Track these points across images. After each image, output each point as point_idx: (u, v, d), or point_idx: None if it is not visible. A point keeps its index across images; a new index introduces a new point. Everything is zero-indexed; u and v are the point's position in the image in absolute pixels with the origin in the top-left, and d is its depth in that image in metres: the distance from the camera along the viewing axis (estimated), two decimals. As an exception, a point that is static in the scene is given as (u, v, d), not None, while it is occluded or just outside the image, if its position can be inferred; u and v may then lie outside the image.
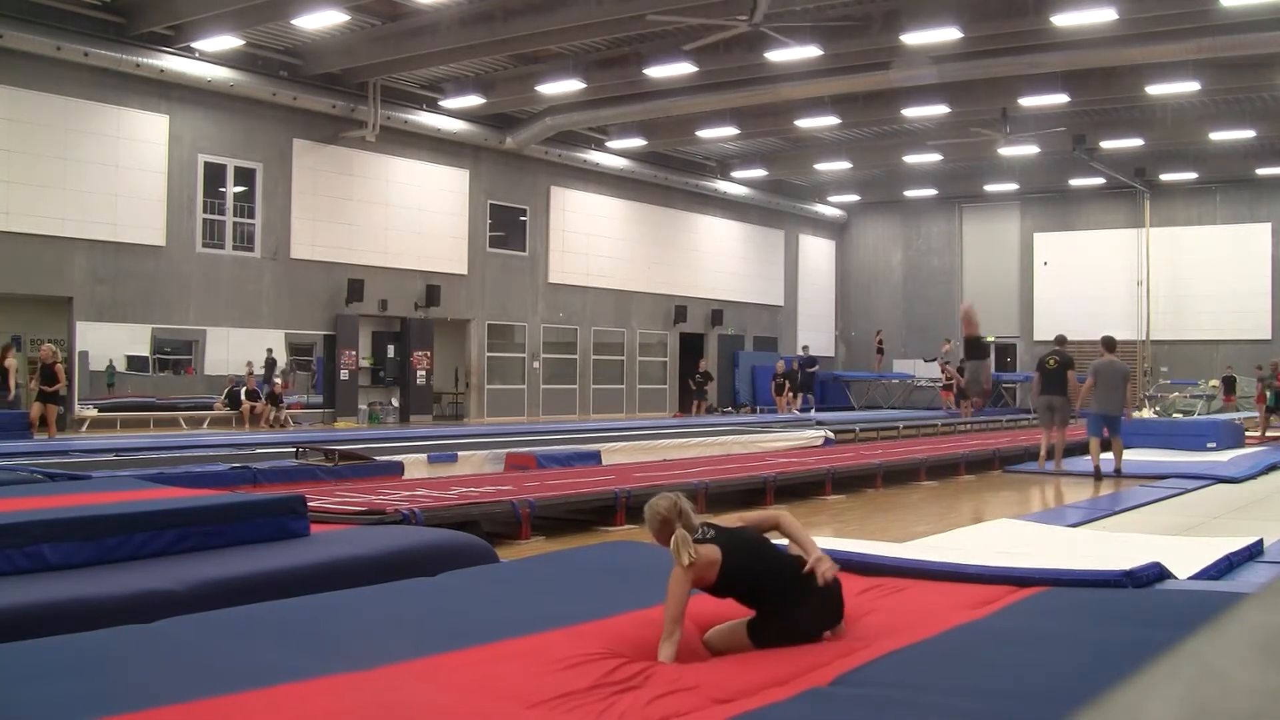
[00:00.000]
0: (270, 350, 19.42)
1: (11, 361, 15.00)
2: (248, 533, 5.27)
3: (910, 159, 26.84)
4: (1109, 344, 11.94)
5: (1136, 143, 24.22)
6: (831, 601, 3.65)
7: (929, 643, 3.62)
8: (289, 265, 19.93)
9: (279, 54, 19.09)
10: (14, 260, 16.32)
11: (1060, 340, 13.14)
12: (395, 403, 21.91)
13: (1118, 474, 11.60)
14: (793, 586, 3.57)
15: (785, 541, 3.83)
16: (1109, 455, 11.87)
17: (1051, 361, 12.37)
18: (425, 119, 21.36)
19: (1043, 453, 12.72)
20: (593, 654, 3.33)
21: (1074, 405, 12.42)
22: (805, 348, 28.56)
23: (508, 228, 24.23)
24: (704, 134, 23.68)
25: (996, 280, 31.90)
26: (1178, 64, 18.65)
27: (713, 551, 3.47)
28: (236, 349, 19.25)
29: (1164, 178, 28.22)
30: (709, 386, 26.81)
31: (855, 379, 30.88)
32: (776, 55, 17.36)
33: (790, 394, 25.16)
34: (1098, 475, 11.53)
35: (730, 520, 3.80)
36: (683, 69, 18.51)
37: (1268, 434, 18.74)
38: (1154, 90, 19.81)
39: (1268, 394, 19.37)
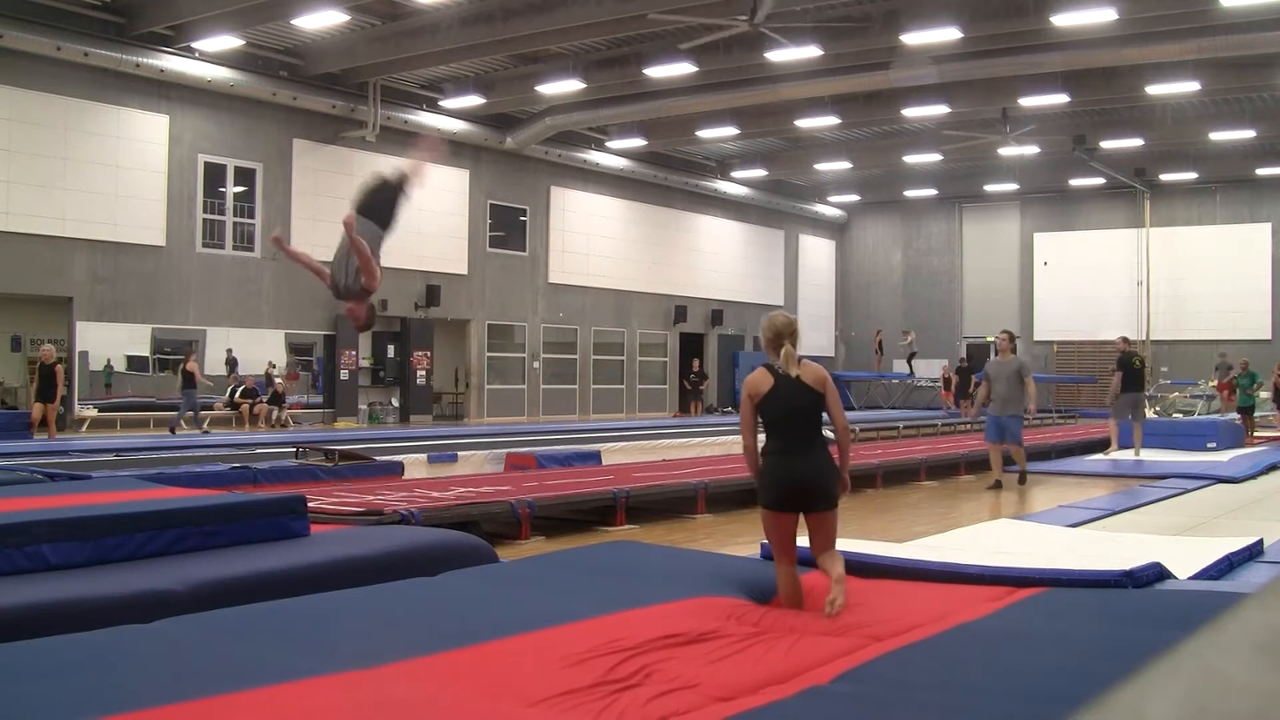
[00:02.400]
0: (230, 350, 19.22)
1: (193, 364, 16.40)
2: (248, 533, 5.27)
3: (910, 159, 26.83)
4: (1010, 339, 11.54)
5: (1136, 143, 24.22)
6: (812, 479, 4.40)
7: (929, 642, 3.63)
8: (289, 265, 19.83)
9: (279, 54, 19.08)
10: (14, 260, 16.32)
11: (1128, 341, 14.78)
12: (395, 403, 21.91)
13: (1023, 479, 11.21)
14: (796, 440, 4.42)
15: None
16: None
17: (1137, 362, 13.95)
18: (425, 119, 21.34)
19: (1114, 444, 13.96)
20: (593, 652, 3.33)
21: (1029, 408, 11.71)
22: None
23: (508, 228, 24.23)
24: (704, 134, 23.68)
25: (996, 280, 31.90)
26: (1178, 64, 18.64)
27: (769, 379, 4.46)
28: (236, 349, 19.24)
29: (1164, 178, 28.21)
30: (705, 386, 26.82)
31: (855, 379, 30.88)
32: (776, 55, 17.35)
33: None
34: (998, 486, 11.10)
35: (807, 371, 4.51)
36: (683, 69, 18.50)
37: (1263, 434, 18.73)
38: (1154, 90, 19.81)
39: (1237, 394, 19.33)
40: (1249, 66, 19.12)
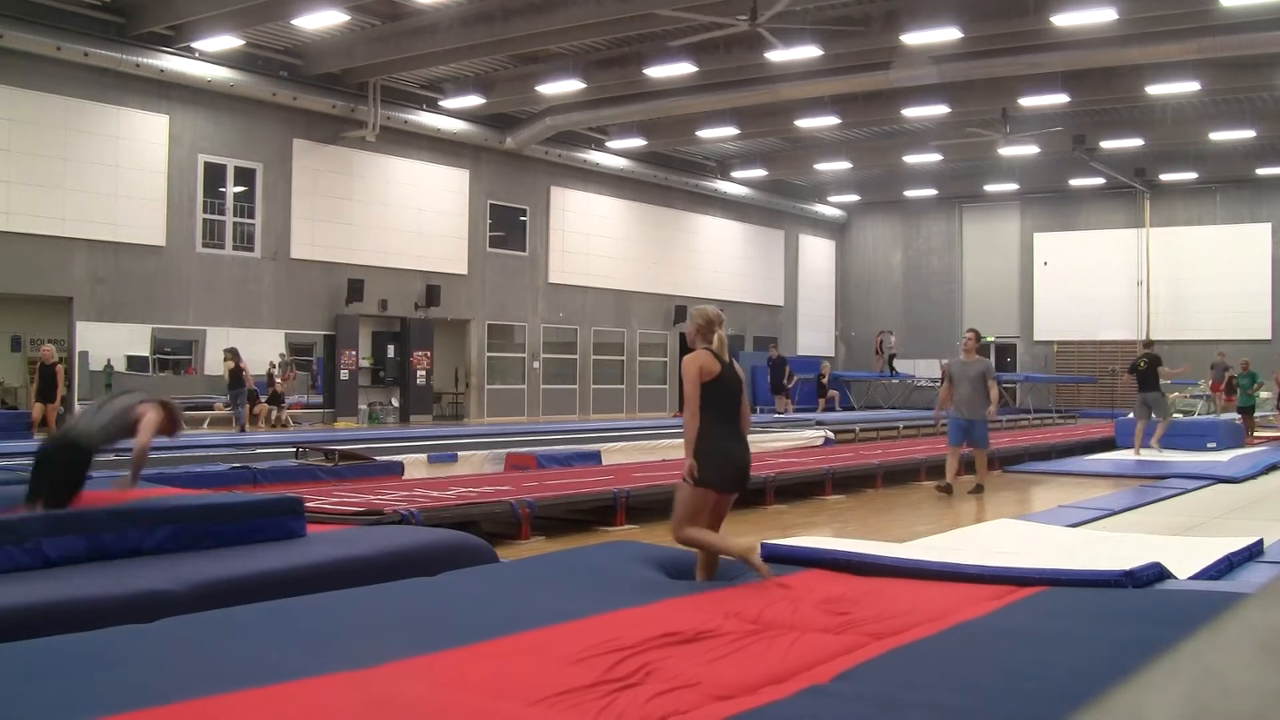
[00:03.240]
0: (228, 352, 19.09)
1: (243, 364, 16.90)
2: (247, 533, 5.27)
3: (910, 159, 26.82)
4: (976, 339, 11.07)
5: (1136, 143, 24.21)
6: (742, 467, 4.85)
7: (929, 641, 3.63)
8: (289, 265, 19.92)
9: (279, 54, 19.08)
10: (14, 260, 16.31)
11: (1148, 343, 15.32)
12: (395, 403, 21.90)
13: (979, 489, 10.71)
14: (734, 426, 4.82)
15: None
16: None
17: (1143, 363, 14.10)
18: (425, 119, 21.35)
19: (1137, 443, 14.18)
20: (593, 651, 3.33)
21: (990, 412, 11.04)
22: (774, 344, 28.01)
23: (508, 228, 24.23)
24: (704, 134, 23.67)
25: (996, 280, 31.90)
26: (1178, 64, 18.63)
27: (716, 362, 4.80)
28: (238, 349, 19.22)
29: (1164, 178, 28.20)
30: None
31: (855, 379, 30.88)
32: (776, 55, 17.34)
33: (785, 395, 25.08)
34: (948, 490, 10.65)
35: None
36: (683, 69, 18.49)
37: (1263, 434, 18.72)
38: (1154, 90, 19.80)
39: (1237, 394, 19.34)
40: (1249, 66, 19.11)
